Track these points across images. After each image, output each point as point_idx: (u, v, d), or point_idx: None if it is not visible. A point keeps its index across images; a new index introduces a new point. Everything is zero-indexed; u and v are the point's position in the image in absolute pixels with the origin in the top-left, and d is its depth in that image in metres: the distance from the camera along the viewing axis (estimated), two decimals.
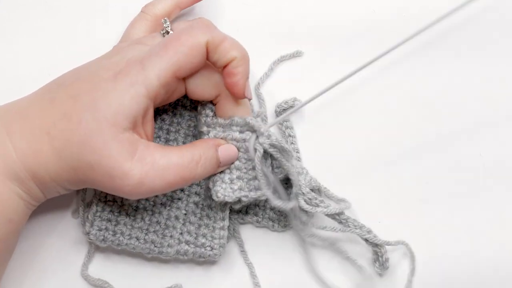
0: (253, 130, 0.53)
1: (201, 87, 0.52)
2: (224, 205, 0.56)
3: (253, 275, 0.58)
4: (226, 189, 0.53)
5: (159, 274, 0.57)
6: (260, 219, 0.58)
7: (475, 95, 0.60)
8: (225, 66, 0.51)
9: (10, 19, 0.61)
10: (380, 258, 0.56)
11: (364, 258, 0.58)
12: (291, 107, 0.59)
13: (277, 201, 0.52)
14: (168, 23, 0.55)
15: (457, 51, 0.61)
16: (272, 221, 0.58)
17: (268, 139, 0.53)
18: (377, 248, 0.56)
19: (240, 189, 0.53)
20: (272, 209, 0.57)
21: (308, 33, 0.61)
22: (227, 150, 0.53)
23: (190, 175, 0.51)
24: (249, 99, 0.54)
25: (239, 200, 0.54)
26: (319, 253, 0.58)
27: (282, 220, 0.57)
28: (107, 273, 0.57)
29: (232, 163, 0.54)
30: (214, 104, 0.54)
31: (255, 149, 0.53)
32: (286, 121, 0.59)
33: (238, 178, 0.54)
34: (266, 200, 0.57)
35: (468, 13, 0.60)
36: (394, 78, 0.60)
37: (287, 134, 0.59)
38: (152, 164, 0.49)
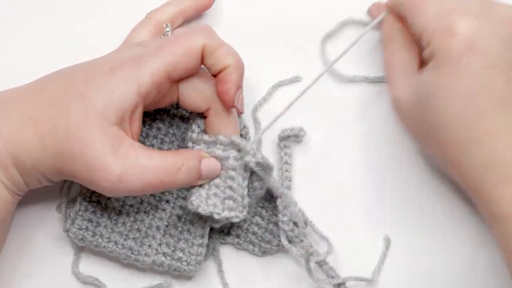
0: (238, 148, 0.53)
1: (192, 98, 0.52)
2: (204, 222, 0.55)
3: None
4: (202, 202, 0.53)
5: (150, 271, 0.57)
6: (241, 242, 0.57)
7: None
8: (219, 73, 0.51)
9: (9, 19, 0.61)
10: None
11: None
12: (296, 136, 0.58)
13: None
14: (169, 27, 0.55)
15: None
16: (253, 245, 0.57)
17: (254, 157, 0.53)
18: None
19: (215, 205, 0.53)
20: (254, 233, 0.57)
21: (309, 33, 0.61)
22: (210, 164, 0.53)
23: (170, 180, 0.50)
24: (241, 113, 0.54)
25: (213, 217, 0.54)
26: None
27: (262, 245, 0.57)
28: (99, 268, 0.57)
29: (213, 178, 0.53)
30: (205, 117, 0.54)
31: (244, 169, 0.53)
32: (287, 148, 0.59)
33: (215, 195, 0.53)
34: (249, 224, 0.57)
35: None
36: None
37: (284, 160, 0.58)
38: (134, 162, 0.49)
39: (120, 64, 0.50)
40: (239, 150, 0.53)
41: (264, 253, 0.57)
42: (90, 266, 0.57)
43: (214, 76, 0.52)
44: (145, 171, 0.49)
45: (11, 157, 0.49)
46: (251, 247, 0.57)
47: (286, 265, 0.57)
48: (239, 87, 0.52)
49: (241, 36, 0.59)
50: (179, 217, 0.56)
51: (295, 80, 0.60)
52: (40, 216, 0.57)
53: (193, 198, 0.53)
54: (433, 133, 0.51)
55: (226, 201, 0.53)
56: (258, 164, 0.53)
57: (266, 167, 0.54)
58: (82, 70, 0.51)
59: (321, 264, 0.55)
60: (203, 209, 0.53)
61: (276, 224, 0.57)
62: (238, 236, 0.57)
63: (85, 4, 0.61)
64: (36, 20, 0.61)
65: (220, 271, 0.58)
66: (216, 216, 0.53)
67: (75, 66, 0.52)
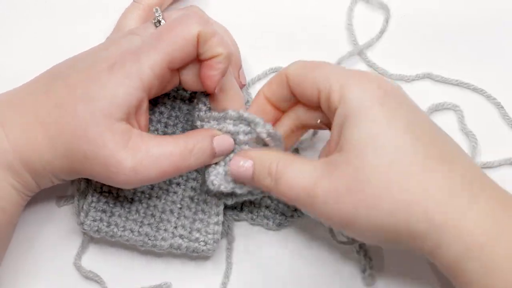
0: (247, 122, 0.53)
1: (195, 79, 0.52)
2: (218, 199, 0.55)
3: (226, 274, 0.57)
4: (222, 180, 0.53)
5: (151, 267, 0.57)
6: (254, 217, 0.57)
7: None
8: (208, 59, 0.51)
9: (9, 19, 0.61)
10: (368, 270, 0.55)
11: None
12: None
13: None
14: (159, 12, 0.55)
15: None
16: (267, 219, 0.57)
17: (264, 128, 0.52)
18: (366, 261, 0.55)
19: (234, 181, 0.53)
20: (267, 206, 0.57)
21: (308, 33, 0.60)
22: (222, 141, 0.53)
23: (184, 163, 0.51)
24: (243, 85, 0.55)
25: (233, 193, 0.53)
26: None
27: (277, 218, 0.57)
28: (100, 265, 0.57)
29: (228, 154, 0.53)
30: (209, 95, 0.54)
31: (256, 142, 0.53)
32: None
33: None
34: (261, 198, 0.57)
35: None
36: None
37: None
38: (145, 152, 0.49)
39: (120, 59, 0.50)
40: (247, 124, 0.53)
41: (279, 225, 0.57)
42: (94, 261, 0.57)
43: (202, 60, 0.51)
44: (158, 159, 0.50)
45: (21, 160, 0.49)
46: (265, 221, 0.57)
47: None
48: (224, 75, 0.51)
49: (240, 35, 0.58)
50: (191, 198, 0.56)
51: None
52: (45, 214, 0.58)
53: (212, 178, 0.53)
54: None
55: None
56: (269, 134, 0.53)
57: (276, 137, 0.53)
58: (82, 68, 0.50)
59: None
60: (225, 187, 0.53)
61: None
62: (251, 211, 0.57)
63: (85, 4, 0.62)
64: (36, 20, 0.61)
65: (229, 248, 0.57)
66: (238, 191, 0.53)
67: (75, 62, 0.52)
